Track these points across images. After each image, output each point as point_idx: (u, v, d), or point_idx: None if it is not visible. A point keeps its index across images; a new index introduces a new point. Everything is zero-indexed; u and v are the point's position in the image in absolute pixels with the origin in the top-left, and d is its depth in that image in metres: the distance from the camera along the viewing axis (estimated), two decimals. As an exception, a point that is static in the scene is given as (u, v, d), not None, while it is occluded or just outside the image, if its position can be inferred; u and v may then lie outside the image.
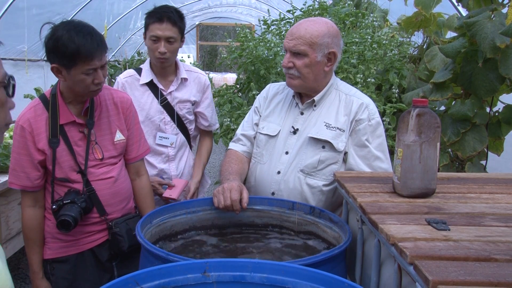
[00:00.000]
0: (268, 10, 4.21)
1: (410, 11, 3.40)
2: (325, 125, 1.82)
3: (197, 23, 13.85)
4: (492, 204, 1.35)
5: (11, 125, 3.26)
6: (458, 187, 1.53)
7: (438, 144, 1.40)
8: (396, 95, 3.07)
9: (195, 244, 1.61)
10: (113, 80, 6.63)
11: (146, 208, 2.01)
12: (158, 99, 2.34)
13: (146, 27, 2.26)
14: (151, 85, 2.35)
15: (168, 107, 2.36)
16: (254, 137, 1.99)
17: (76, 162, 1.81)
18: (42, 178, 1.82)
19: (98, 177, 1.86)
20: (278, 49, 3.32)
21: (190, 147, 2.52)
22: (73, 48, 1.63)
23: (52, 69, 1.71)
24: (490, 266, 0.94)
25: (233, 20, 10.72)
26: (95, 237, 1.90)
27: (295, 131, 1.87)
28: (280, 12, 4.39)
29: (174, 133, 2.39)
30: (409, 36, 3.70)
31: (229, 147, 2.06)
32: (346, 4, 3.89)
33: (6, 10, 5.34)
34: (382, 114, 2.79)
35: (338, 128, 1.81)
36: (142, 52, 7.87)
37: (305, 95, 1.90)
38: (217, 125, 2.60)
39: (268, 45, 3.40)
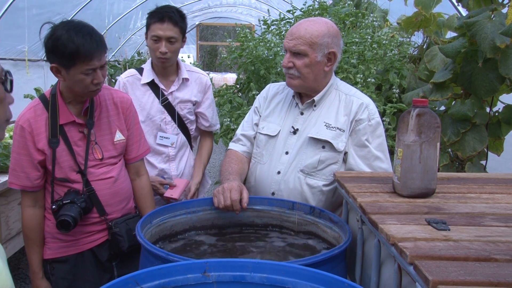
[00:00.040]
0: (268, 10, 4.21)
1: (410, 11, 3.40)
2: (325, 125, 1.82)
3: (197, 23, 13.85)
4: (492, 204, 1.35)
5: (11, 125, 3.27)
6: (458, 187, 1.53)
7: (438, 144, 1.40)
8: (396, 95, 3.07)
9: (195, 244, 1.61)
10: (113, 80, 6.63)
11: (146, 208, 2.01)
12: (159, 99, 2.34)
13: (148, 27, 2.26)
14: (152, 85, 2.35)
15: (169, 107, 2.36)
16: (254, 137, 1.99)
17: (76, 162, 1.81)
18: (42, 178, 1.82)
19: (98, 177, 1.86)
20: (278, 49, 3.32)
21: (191, 147, 2.52)
22: (72, 48, 1.63)
23: (51, 68, 1.71)
24: (490, 266, 0.94)
25: (233, 20, 10.73)
26: (95, 237, 1.90)
27: (295, 131, 1.87)
28: (280, 12, 4.39)
29: (174, 133, 2.39)
30: (409, 36, 3.70)
31: (229, 147, 2.06)
32: (346, 4, 3.90)
33: (6, 10, 5.34)
34: (382, 114, 2.79)
35: (338, 128, 1.81)
36: (142, 52, 7.87)
37: (305, 95, 1.90)
38: (218, 126, 2.59)
39: (268, 45, 3.40)
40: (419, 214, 1.25)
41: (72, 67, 1.67)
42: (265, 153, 1.91)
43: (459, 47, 2.52)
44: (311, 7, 3.87)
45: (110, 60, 8.09)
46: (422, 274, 0.91)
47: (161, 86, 2.35)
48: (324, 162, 1.80)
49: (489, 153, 2.71)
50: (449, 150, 2.77)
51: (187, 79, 2.39)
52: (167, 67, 2.33)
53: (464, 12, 3.51)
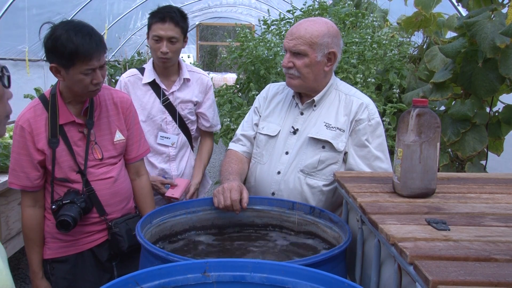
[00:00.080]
0: (268, 10, 4.22)
1: (410, 11, 3.40)
2: (325, 125, 1.82)
3: (197, 23, 13.86)
4: (492, 204, 1.35)
5: (11, 125, 3.26)
6: (458, 187, 1.53)
7: (438, 144, 1.40)
8: (396, 95, 3.07)
9: (195, 244, 1.61)
10: (113, 80, 6.63)
11: (146, 208, 2.01)
12: (160, 99, 2.35)
13: (149, 27, 2.27)
14: (153, 84, 2.35)
15: (170, 107, 2.36)
16: (254, 137, 1.98)
17: (75, 162, 1.81)
18: (42, 178, 1.82)
19: (98, 177, 1.86)
20: (278, 49, 3.32)
21: (192, 147, 2.52)
22: (72, 48, 1.63)
23: (51, 68, 1.71)
24: (490, 266, 0.94)
25: (233, 20, 10.73)
26: (95, 237, 1.90)
27: (295, 131, 1.87)
28: (280, 12, 4.39)
29: (175, 133, 2.39)
30: (409, 36, 3.70)
31: (229, 147, 2.06)
32: (346, 4, 3.90)
33: (6, 10, 5.33)
34: (382, 114, 2.79)
35: (338, 128, 1.81)
36: (142, 52, 7.87)
37: (305, 95, 1.90)
38: (219, 126, 2.59)
39: (268, 45, 3.40)
40: (419, 214, 1.25)
41: (72, 67, 1.67)
42: (265, 153, 1.91)
43: (459, 47, 2.52)
44: (311, 7, 3.88)
45: (110, 60, 8.09)
46: (422, 274, 0.91)
47: (162, 86, 2.35)
48: (324, 162, 1.80)
49: (489, 153, 2.71)
50: (449, 150, 2.77)
51: (188, 79, 2.39)
52: (168, 67, 2.33)
53: (464, 12, 3.51)
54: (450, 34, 3.35)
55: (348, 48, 3.21)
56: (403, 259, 1.01)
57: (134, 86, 2.35)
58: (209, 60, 20.80)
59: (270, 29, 3.75)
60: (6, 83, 1.08)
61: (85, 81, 1.70)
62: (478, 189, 1.51)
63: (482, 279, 0.88)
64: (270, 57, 3.28)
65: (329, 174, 1.81)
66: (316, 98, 1.86)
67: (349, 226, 1.48)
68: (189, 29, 2.37)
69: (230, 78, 10.63)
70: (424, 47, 3.46)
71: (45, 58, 1.73)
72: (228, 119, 3.04)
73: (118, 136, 1.92)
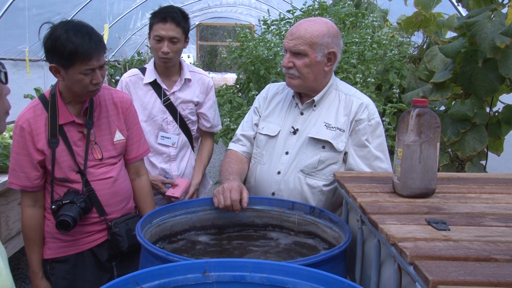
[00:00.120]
0: (268, 10, 4.22)
1: (410, 11, 3.40)
2: (325, 125, 1.82)
3: (197, 23, 13.86)
4: (492, 204, 1.35)
5: (11, 125, 3.26)
6: (458, 187, 1.53)
7: (438, 144, 1.40)
8: (396, 95, 3.07)
9: (195, 244, 1.61)
10: (113, 80, 6.62)
11: (146, 208, 2.01)
12: (161, 99, 2.35)
13: (150, 27, 2.27)
14: (154, 84, 2.35)
15: (170, 107, 2.36)
16: (254, 138, 1.98)
17: (75, 162, 1.81)
18: (42, 178, 1.82)
19: (98, 177, 1.86)
20: (278, 49, 3.32)
21: (192, 147, 2.52)
22: (71, 48, 1.63)
23: (50, 68, 1.71)
24: (490, 266, 0.94)
25: (233, 20, 10.73)
26: (95, 237, 1.90)
27: (295, 131, 1.87)
28: (280, 12, 4.39)
29: (176, 133, 2.40)
30: (409, 36, 3.70)
31: (228, 147, 2.06)
32: (346, 4, 3.90)
33: (6, 10, 5.34)
34: (382, 114, 2.79)
35: (338, 128, 1.81)
36: (142, 52, 7.87)
37: (305, 95, 1.90)
38: (220, 127, 2.59)
39: (268, 45, 3.40)
40: (419, 214, 1.25)
41: (71, 67, 1.67)
42: (265, 153, 1.91)
43: (459, 47, 2.52)
44: (311, 7, 3.88)
45: (110, 60, 8.09)
46: (422, 274, 0.91)
47: (163, 86, 2.35)
48: (324, 162, 1.80)
49: (489, 153, 2.71)
50: (449, 150, 2.77)
51: (189, 80, 2.39)
52: (169, 67, 2.33)
53: (464, 12, 3.51)
54: (450, 34, 3.35)
55: (348, 48, 3.21)
56: (403, 259, 1.01)
57: (135, 86, 2.36)
58: (209, 60, 20.80)
59: (270, 29, 3.75)
60: (3, 79, 1.08)
61: (84, 81, 1.70)
62: (478, 189, 1.51)
63: (482, 279, 0.88)
64: (270, 57, 3.28)
65: (329, 174, 1.81)
66: (316, 98, 1.86)
67: (349, 226, 1.48)
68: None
69: (230, 78, 10.63)
70: (424, 47, 3.46)
71: (45, 58, 1.73)
72: (228, 119, 3.04)
73: (118, 136, 1.92)
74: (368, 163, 1.81)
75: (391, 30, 3.67)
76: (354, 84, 2.83)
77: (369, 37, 3.32)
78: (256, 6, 11.70)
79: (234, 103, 3.36)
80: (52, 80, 1.83)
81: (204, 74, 2.50)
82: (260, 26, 3.81)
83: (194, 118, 2.44)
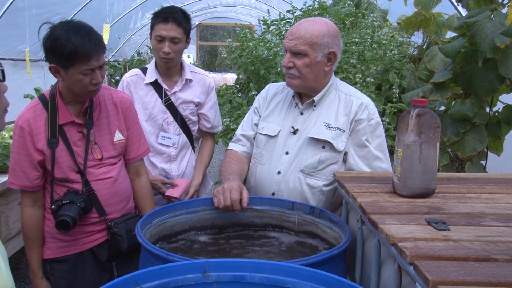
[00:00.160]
0: (268, 10, 4.22)
1: (410, 11, 3.40)
2: (325, 125, 1.82)
3: (197, 23, 13.85)
4: (492, 204, 1.35)
5: (11, 125, 3.26)
6: (458, 187, 1.53)
7: (438, 144, 1.40)
8: (396, 95, 3.07)
9: (195, 244, 1.61)
10: (113, 80, 6.62)
11: (146, 208, 2.01)
12: (162, 99, 2.35)
13: (152, 27, 2.28)
14: (155, 84, 2.36)
15: (171, 107, 2.36)
16: (254, 138, 1.98)
17: (75, 162, 1.81)
18: (42, 178, 1.82)
19: (97, 177, 1.86)
20: (278, 49, 3.33)
21: (193, 148, 2.52)
22: (71, 48, 1.63)
23: (50, 69, 1.71)
24: (490, 266, 0.94)
25: (233, 20, 10.73)
26: (95, 237, 1.90)
27: (295, 131, 1.87)
28: (280, 12, 4.39)
29: (176, 134, 2.40)
30: (409, 36, 3.70)
31: (228, 147, 2.06)
32: (346, 4, 3.90)
33: (6, 10, 5.33)
34: (382, 114, 2.79)
35: (338, 128, 1.81)
36: (142, 52, 7.87)
37: (305, 95, 1.90)
38: (220, 127, 2.60)
39: (268, 45, 3.40)
40: (419, 214, 1.25)
41: (71, 67, 1.67)
42: (265, 153, 1.91)
43: (459, 47, 2.52)
44: (311, 7, 3.88)
45: (110, 60, 8.09)
46: (422, 274, 0.91)
47: (164, 86, 2.36)
48: (324, 162, 1.80)
49: (489, 153, 2.71)
50: (449, 150, 2.77)
51: (190, 80, 2.40)
52: (170, 68, 2.33)
53: (464, 12, 3.51)
54: (450, 34, 3.35)
55: (348, 48, 3.21)
56: (403, 259, 1.01)
57: (136, 86, 2.36)
58: (209, 60, 20.80)
59: (270, 29, 3.75)
60: (0, 77, 1.08)
61: (84, 81, 1.70)
62: (478, 189, 1.51)
63: (482, 279, 0.88)
64: (270, 57, 3.28)
65: (329, 174, 1.81)
66: (316, 98, 1.86)
67: (349, 226, 1.48)
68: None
69: (230, 78, 10.63)
70: (424, 47, 3.46)
71: (45, 58, 1.73)
72: (228, 119, 3.04)
73: (118, 136, 1.92)
74: (368, 163, 1.81)
75: (391, 30, 3.67)
76: (354, 84, 2.83)
77: (369, 37, 3.33)
78: (256, 6, 11.70)
79: (234, 103, 3.36)
80: (52, 80, 1.83)
81: (205, 74, 2.50)
82: (260, 26, 3.81)
83: (194, 118, 2.44)
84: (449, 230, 1.13)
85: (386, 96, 3.18)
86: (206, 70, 3.51)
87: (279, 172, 1.85)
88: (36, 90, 4.02)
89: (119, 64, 7.24)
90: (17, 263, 3.67)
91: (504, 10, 2.37)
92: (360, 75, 2.98)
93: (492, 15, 2.39)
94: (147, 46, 7.95)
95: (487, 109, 2.66)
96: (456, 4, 3.53)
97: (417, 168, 1.38)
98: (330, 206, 1.84)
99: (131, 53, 8.66)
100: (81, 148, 1.83)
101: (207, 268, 1.07)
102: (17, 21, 5.59)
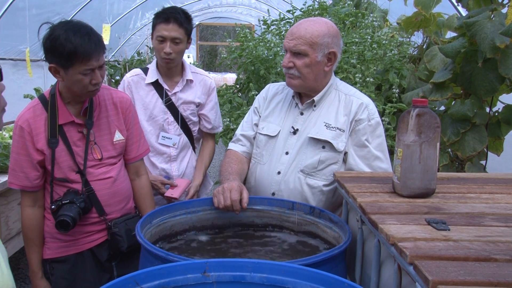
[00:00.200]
0: (268, 10, 4.22)
1: (410, 11, 3.40)
2: (325, 125, 1.82)
3: (197, 23, 13.85)
4: (492, 204, 1.35)
5: (11, 125, 3.26)
6: (458, 187, 1.53)
7: (438, 144, 1.40)
8: (396, 95, 3.07)
9: (195, 244, 1.61)
10: (113, 80, 6.62)
11: (146, 208, 2.01)
12: (162, 99, 2.35)
13: (153, 27, 2.28)
14: (156, 85, 2.36)
15: (172, 108, 2.36)
16: (254, 138, 1.98)
17: (75, 162, 1.81)
18: (41, 178, 1.82)
19: (97, 177, 1.86)
20: (278, 49, 3.33)
21: (194, 148, 2.52)
22: (70, 48, 1.63)
23: (50, 69, 1.71)
24: (490, 266, 0.94)
25: (233, 20, 10.73)
26: (94, 237, 1.90)
27: (295, 132, 1.87)
28: (280, 12, 4.39)
29: (177, 134, 2.40)
30: (409, 36, 3.70)
31: (228, 147, 2.06)
32: (346, 4, 3.90)
33: (6, 10, 5.33)
34: (382, 114, 2.79)
35: (338, 128, 1.81)
36: (142, 52, 7.87)
37: (305, 95, 1.90)
38: (221, 128, 2.60)
39: (268, 45, 3.40)
40: (419, 214, 1.25)
41: (70, 67, 1.67)
42: (265, 154, 1.91)
43: (459, 47, 2.52)
44: (311, 7, 3.88)
45: (110, 60, 8.09)
46: (422, 274, 0.91)
47: (165, 86, 2.36)
48: (324, 162, 1.80)
49: (489, 153, 2.71)
50: (449, 150, 2.77)
51: (191, 81, 2.40)
52: (171, 68, 2.34)
53: (464, 12, 3.51)
54: (450, 34, 3.35)
55: (348, 48, 3.21)
56: (403, 259, 1.01)
57: (137, 86, 2.36)
58: (209, 60, 20.80)
59: (270, 29, 3.75)
60: None
61: (84, 81, 1.70)
62: (478, 189, 1.51)
63: (482, 279, 0.88)
64: (270, 57, 3.28)
65: (329, 174, 1.81)
66: (316, 98, 1.86)
67: (349, 226, 1.48)
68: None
69: (230, 78, 10.64)
70: (424, 47, 3.46)
71: (44, 58, 1.73)
72: (228, 119, 3.04)
73: (118, 136, 1.92)
74: (368, 163, 1.81)
75: (391, 30, 3.67)
76: (354, 84, 2.83)
77: (369, 37, 3.33)
78: (256, 6, 11.70)
79: (234, 103, 3.36)
80: (52, 80, 1.83)
81: (206, 75, 2.50)
82: (260, 26, 3.81)
83: (195, 119, 2.44)
84: (449, 230, 1.13)
85: (386, 96, 3.18)
86: (206, 70, 3.51)
87: (279, 172, 1.85)
88: (36, 90, 4.02)
89: (119, 64, 7.23)
90: (17, 263, 3.67)
91: (504, 10, 2.37)
92: (360, 75, 2.98)
93: (492, 15, 2.39)
94: (147, 46, 7.95)
95: (487, 109, 2.66)
96: (456, 4, 3.53)
97: (417, 168, 1.38)
98: (330, 206, 1.83)
99: (131, 53, 8.65)
100: (81, 148, 1.83)
101: (207, 268, 1.07)
102: (17, 21, 5.59)
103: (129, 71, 2.52)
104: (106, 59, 1.79)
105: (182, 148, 2.43)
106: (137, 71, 2.42)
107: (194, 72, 2.44)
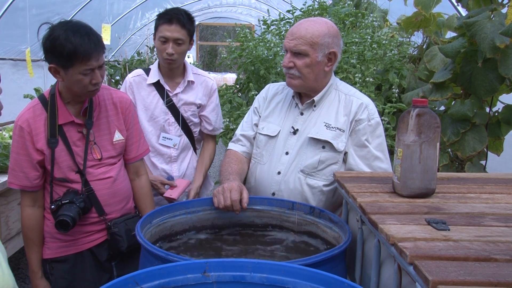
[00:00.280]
0: (268, 10, 4.22)
1: (410, 11, 3.40)
2: (325, 125, 1.82)
3: (197, 23, 13.82)
4: (492, 204, 1.35)
5: (11, 125, 3.26)
6: (458, 187, 1.53)
7: (438, 144, 1.40)
8: (396, 95, 3.07)
9: (195, 244, 1.61)
10: (113, 80, 6.62)
11: (146, 208, 2.01)
12: (163, 100, 2.35)
13: (156, 28, 2.28)
14: (157, 85, 2.36)
15: (173, 108, 2.36)
16: (254, 138, 1.98)
17: (74, 162, 1.81)
18: (41, 178, 1.82)
19: (97, 177, 1.86)
20: (278, 49, 3.32)
21: (195, 149, 2.52)
22: (70, 48, 1.63)
23: (49, 69, 1.71)
24: (490, 266, 0.94)
25: (233, 20, 10.73)
26: (94, 237, 1.90)
27: (295, 132, 1.87)
28: (280, 12, 4.39)
29: (177, 135, 2.40)
30: (409, 36, 3.70)
31: (228, 148, 2.06)
32: (346, 4, 3.90)
33: (6, 10, 5.33)
34: (381, 114, 2.79)
35: (338, 128, 1.81)
36: (142, 52, 7.86)
37: (305, 95, 1.90)
38: (221, 130, 2.60)
39: (268, 45, 3.40)
40: (419, 214, 1.25)
41: (70, 68, 1.67)
42: (265, 154, 1.91)
43: (459, 47, 2.52)
44: (311, 7, 3.88)
45: (110, 60, 8.08)
46: (422, 274, 0.91)
47: (166, 87, 2.36)
48: (324, 162, 1.80)
49: (489, 153, 2.71)
50: (449, 150, 2.77)
51: (192, 82, 2.40)
52: (173, 69, 2.34)
53: (464, 12, 3.51)
54: (450, 34, 3.35)
55: (348, 48, 3.21)
56: (403, 259, 1.01)
57: (138, 86, 2.37)
58: (209, 60, 20.80)
59: (270, 29, 3.75)
60: None
61: (84, 81, 1.70)
62: (478, 189, 1.51)
63: (482, 279, 0.88)
64: (270, 57, 3.28)
65: (329, 174, 1.81)
66: (316, 98, 1.86)
67: (349, 226, 1.48)
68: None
69: (230, 78, 10.64)
70: (424, 47, 3.46)
71: (44, 58, 1.73)
72: (228, 119, 3.04)
73: (117, 136, 1.92)
74: (368, 163, 1.81)
75: (391, 30, 3.68)
76: (354, 84, 2.83)
77: (369, 37, 3.33)
78: (256, 6, 11.69)
79: (234, 103, 3.36)
80: (52, 80, 1.83)
81: (208, 77, 2.50)
82: (260, 26, 3.81)
83: (196, 120, 2.45)
84: (449, 230, 1.13)
85: (386, 96, 3.18)
86: (206, 70, 3.51)
87: (279, 172, 1.85)
88: (36, 90, 4.02)
89: (119, 64, 7.23)
90: (17, 263, 3.67)
91: (504, 10, 2.37)
92: (360, 75, 2.98)
93: (492, 15, 2.39)
94: (147, 46, 7.94)
95: (487, 109, 2.66)
96: (456, 4, 3.53)
97: (417, 168, 1.38)
98: (330, 206, 1.84)
99: (131, 53, 8.65)
100: (80, 148, 1.83)
101: (207, 268, 1.07)
102: (17, 21, 5.59)
103: (129, 71, 2.52)
104: (106, 59, 1.78)
105: (183, 149, 2.43)
106: (139, 71, 2.43)
107: (195, 73, 2.44)
